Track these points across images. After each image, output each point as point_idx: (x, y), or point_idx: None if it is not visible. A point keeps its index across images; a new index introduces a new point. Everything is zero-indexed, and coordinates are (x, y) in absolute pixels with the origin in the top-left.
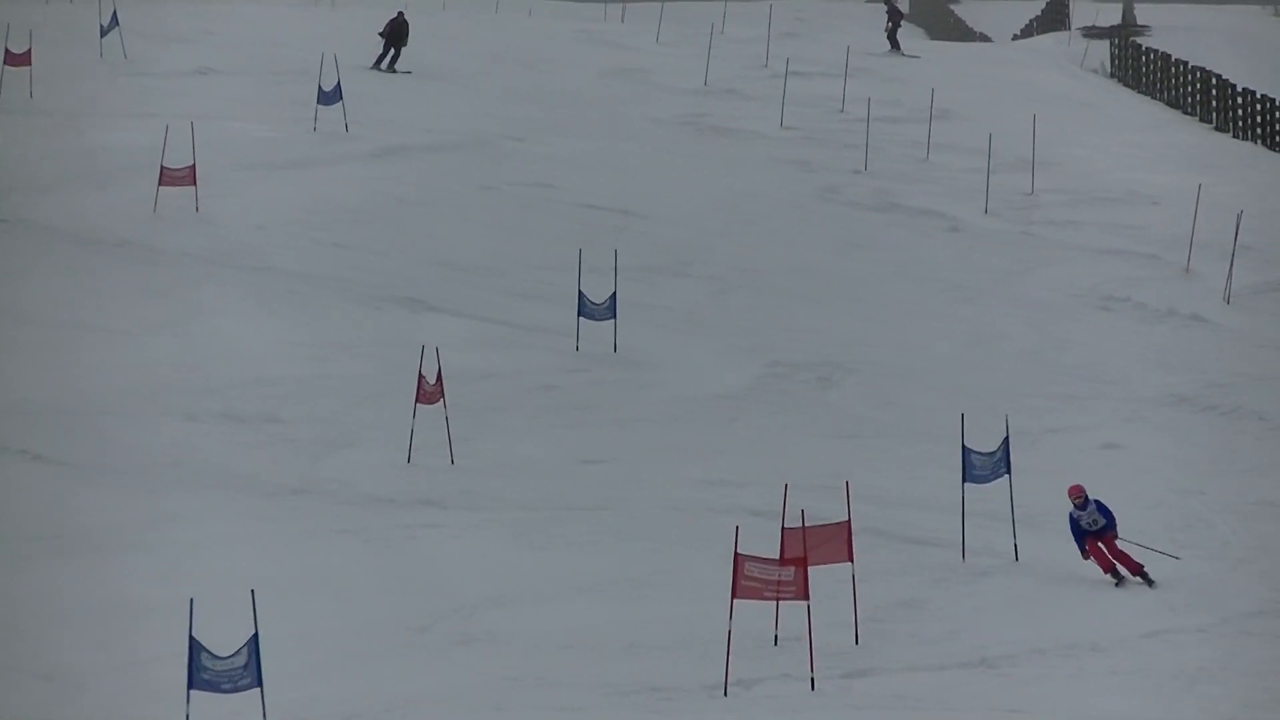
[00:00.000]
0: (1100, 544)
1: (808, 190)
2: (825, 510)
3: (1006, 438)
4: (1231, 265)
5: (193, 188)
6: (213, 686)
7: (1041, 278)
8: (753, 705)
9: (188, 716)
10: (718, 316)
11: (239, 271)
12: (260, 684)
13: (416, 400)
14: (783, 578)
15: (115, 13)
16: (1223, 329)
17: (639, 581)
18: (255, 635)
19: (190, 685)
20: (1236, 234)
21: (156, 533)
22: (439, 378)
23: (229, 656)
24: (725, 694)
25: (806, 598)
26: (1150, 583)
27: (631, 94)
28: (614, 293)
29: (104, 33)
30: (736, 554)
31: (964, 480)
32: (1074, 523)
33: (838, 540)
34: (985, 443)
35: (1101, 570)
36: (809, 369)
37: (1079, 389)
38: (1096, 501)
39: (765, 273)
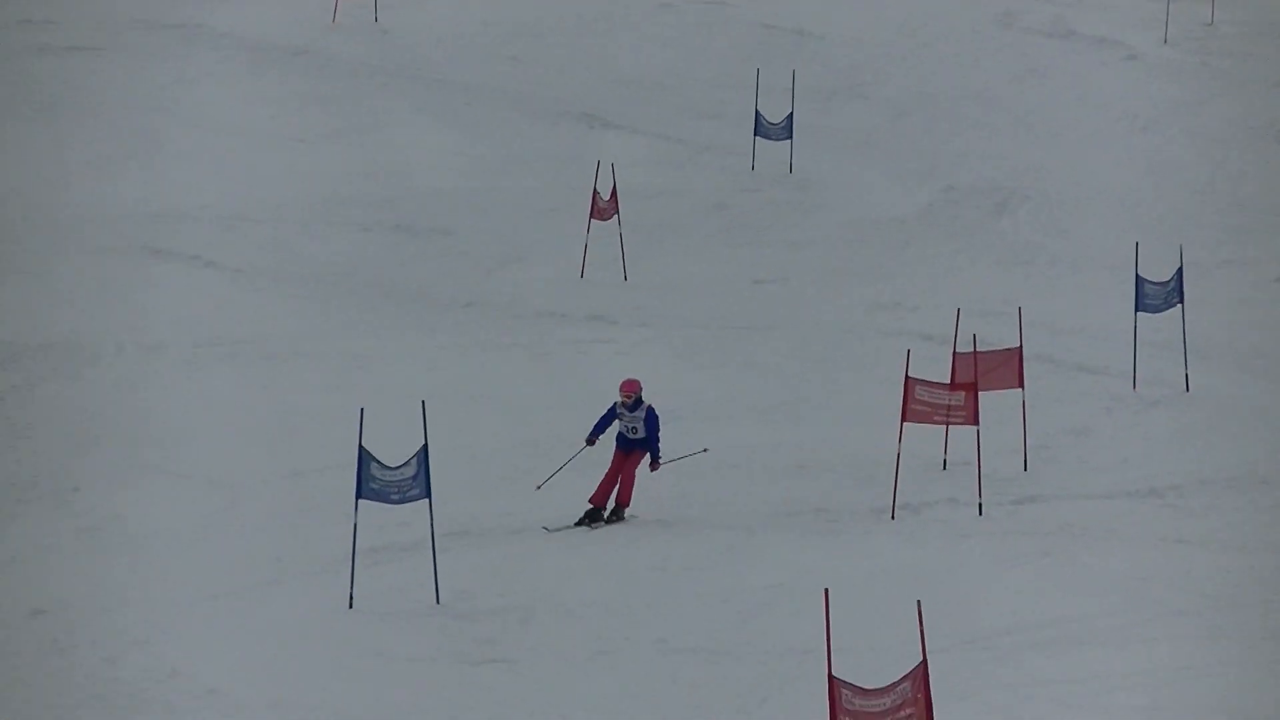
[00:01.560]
0: (624, 457)
1: (985, 15)
2: (996, 336)
3: (1180, 268)
4: None
5: None
6: (381, 497)
7: (1218, 109)
8: (920, 529)
9: (355, 526)
10: (892, 140)
11: (415, 84)
12: (429, 495)
13: (590, 216)
14: (953, 402)
15: None
16: None
17: (808, 403)
18: (425, 446)
19: (359, 495)
20: None
21: (327, 343)
22: (613, 194)
23: (398, 467)
24: (892, 517)
25: (976, 423)
26: (619, 519)
27: None
28: (790, 113)
29: None
30: (907, 377)
31: (1136, 309)
32: (611, 416)
33: (1008, 366)
34: (1159, 272)
35: (598, 501)
36: (982, 195)
37: (1253, 221)
38: (650, 409)
39: (940, 98)
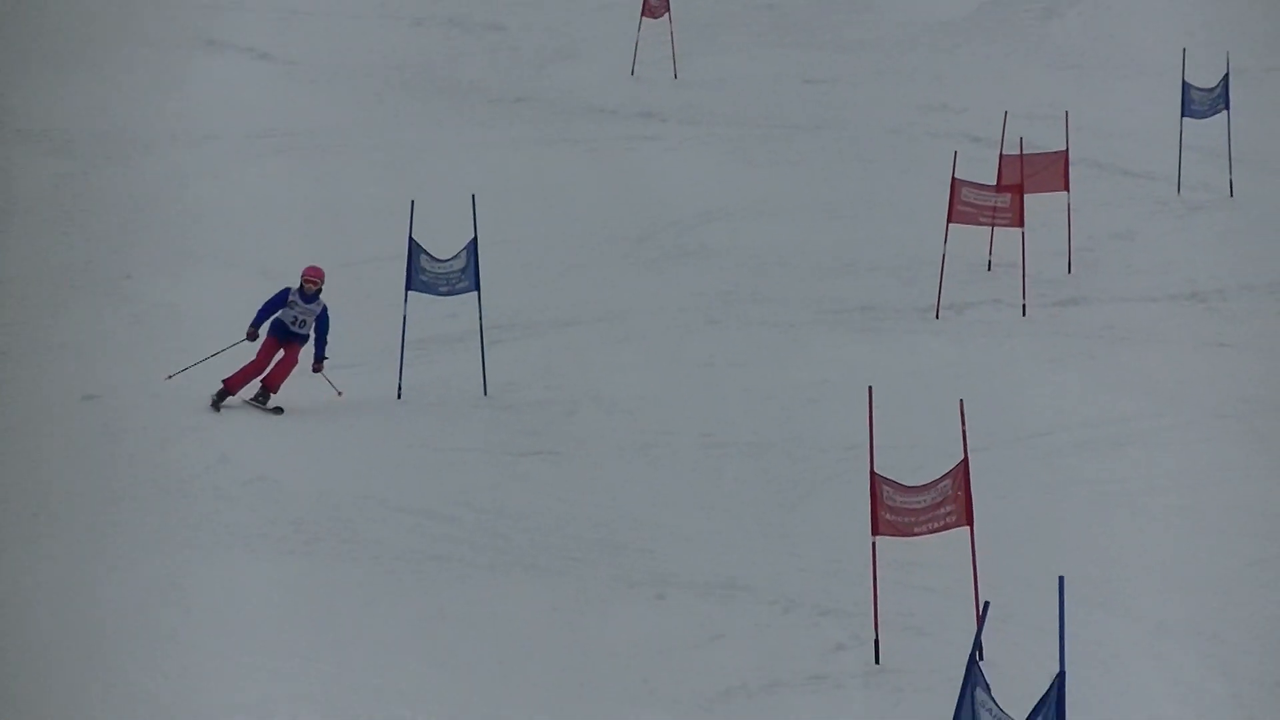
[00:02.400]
0: (281, 349)
1: None
2: (1043, 139)
3: (1227, 74)
4: None
5: None
6: (430, 289)
7: None
8: (964, 328)
9: (405, 318)
10: None
11: None
12: (478, 288)
13: (642, 14)
14: (999, 204)
15: None
16: None
17: (856, 202)
18: (474, 239)
19: (408, 287)
20: None
21: (379, 135)
22: None
23: (448, 260)
24: (937, 316)
25: (1021, 224)
26: (273, 410)
27: None
28: None
29: None
30: (954, 178)
31: (1182, 115)
32: (279, 302)
33: (1054, 169)
34: (1205, 78)
35: (231, 385)
36: None
37: None
38: (325, 308)
39: None
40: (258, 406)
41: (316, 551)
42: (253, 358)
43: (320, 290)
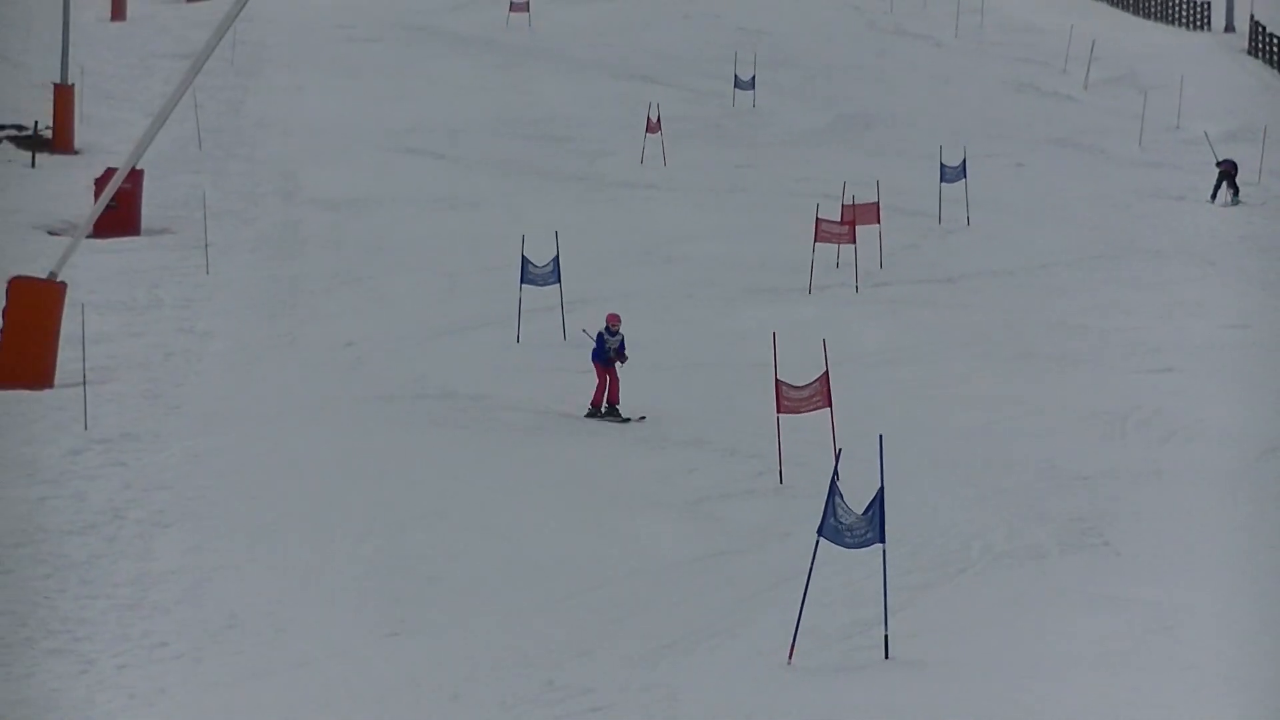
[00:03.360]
0: (607, 375)
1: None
2: (864, 195)
3: (964, 159)
4: None
5: None
6: (532, 281)
7: None
8: (824, 299)
9: (520, 297)
10: (809, 86)
11: (554, 59)
12: (559, 281)
13: (646, 130)
14: (842, 231)
15: None
16: None
17: (764, 231)
18: (557, 255)
19: (521, 280)
20: None
21: (501, 200)
22: (658, 119)
23: (543, 266)
24: (809, 293)
25: (854, 241)
26: (622, 419)
27: None
28: (753, 75)
29: None
30: (817, 217)
31: (940, 181)
32: (601, 344)
33: (871, 211)
34: (954, 159)
35: (594, 403)
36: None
37: None
38: (621, 346)
39: (836, 63)
40: (615, 420)
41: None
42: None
43: (619, 329)
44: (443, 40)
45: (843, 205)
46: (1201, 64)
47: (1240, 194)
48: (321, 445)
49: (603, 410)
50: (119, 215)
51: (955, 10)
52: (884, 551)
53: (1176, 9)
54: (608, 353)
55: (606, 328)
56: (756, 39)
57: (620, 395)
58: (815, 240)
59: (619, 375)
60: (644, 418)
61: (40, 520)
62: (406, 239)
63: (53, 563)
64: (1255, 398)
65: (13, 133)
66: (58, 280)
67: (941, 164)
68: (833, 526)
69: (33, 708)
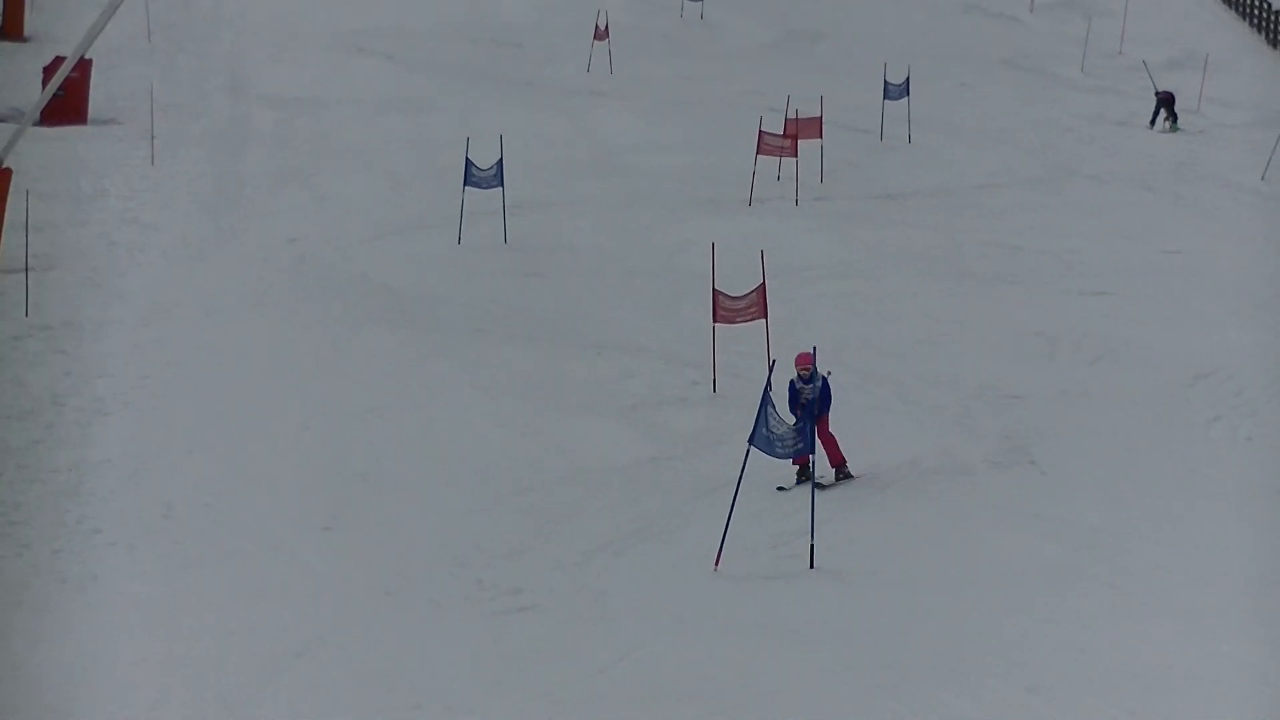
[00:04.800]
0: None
1: None
2: (808, 109)
3: (908, 77)
4: None
5: None
6: (476, 185)
7: None
8: (765, 212)
9: (463, 201)
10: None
11: None
12: (502, 185)
13: (594, 38)
14: (785, 144)
15: None
16: None
17: (710, 142)
18: (500, 159)
19: (465, 183)
20: None
21: (449, 100)
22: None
23: (487, 168)
24: (750, 205)
25: (796, 155)
26: (849, 476)
27: None
28: None
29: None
30: (760, 129)
31: (884, 98)
32: (793, 395)
33: (814, 126)
34: (898, 78)
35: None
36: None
37: None
38: (825, 379)
39: None
40: (844, 481)
41: (418, 323)
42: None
43: (814, 369)
44: None
45: (786, 119)
46: None
47: (1179, 121)
48: (262, 340)
49: (820, 477)
50: (66, 104)
51: None
52: (813, 462)
53: None
54: (804, 404)
55: (797, 375)
56: None
57: (841, 451)
58: (758, 153)
59: (830, 432)
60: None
61: None
62: (353, 139)
63: None
64: (1187, 323)
65: None
66: (3, 167)
67: (886, 82)
68: (764, 436)
69: None
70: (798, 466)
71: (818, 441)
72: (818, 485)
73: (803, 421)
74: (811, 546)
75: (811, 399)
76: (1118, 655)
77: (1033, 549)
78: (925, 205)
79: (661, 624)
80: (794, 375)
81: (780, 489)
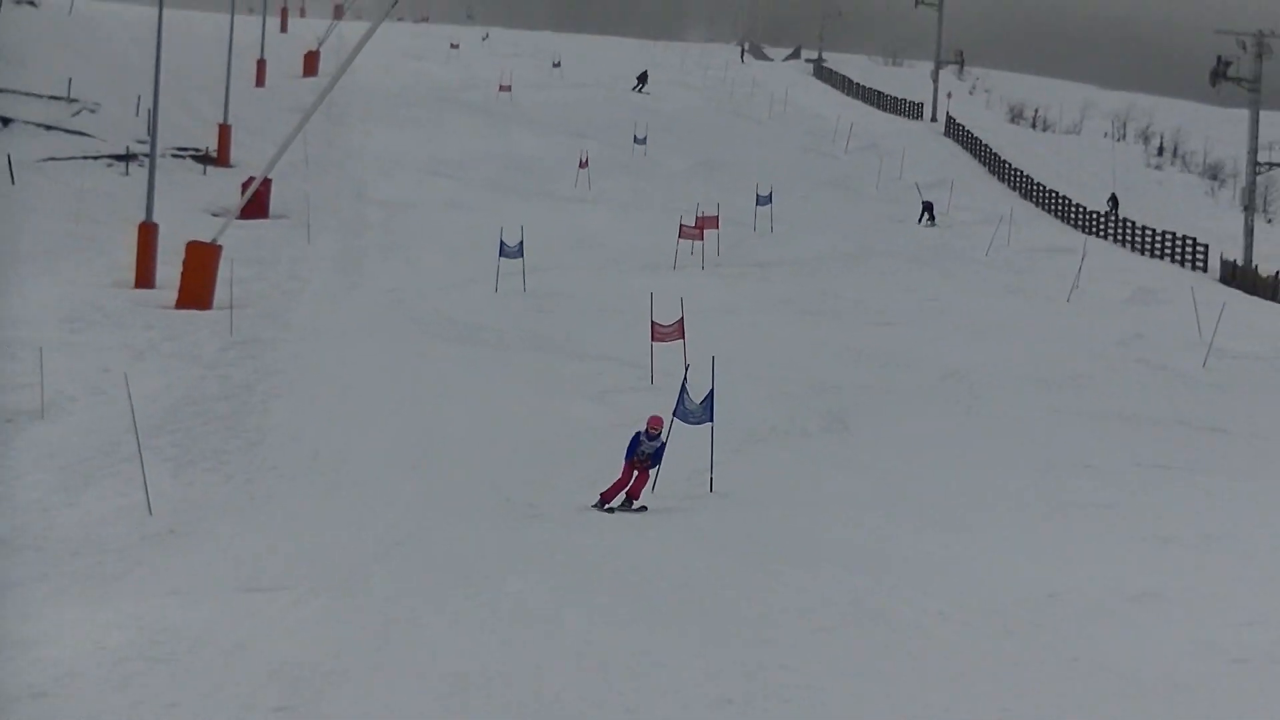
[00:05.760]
0: (635, 470)
1: None
2: (709, 210)
3: (770, 192)
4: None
5: None
6: (507, 255)
7: None
8: (683, 273)
9: (498, 268)
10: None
11: (522, 119)
12: (523, 256)
13: (579, 167)
14: (696, 232)
15: None
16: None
17: (650, 228)
18: (521, 241)
19: (500, 254)
20: None
21: (487, 204)
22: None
23: (514, 246)
24: (674, 269)
25: (703, 238)
26: (639, 509)
27: None
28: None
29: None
30: (681, 225)
31: (756, 205)
32: (635, 444)
33: (713, 222)
34: (764, 189)
35: (606, 497)
36: None
37: None
38: (659, 452)
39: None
40: (625, 510)
41: (470, 340)
42: (618, 477)
43: (659, 434)
44: (457, 106)
45: (696, 217)
46: (916, 140)
47: (936, 220)
48: (375, 352)
49: (615, 507)
50: (255, 205)
51: (769, 102)
52: (712, 428)
53: (902, 106)
54: (638, 455)
55: (646, 430)
56: (650, 115)
57: (642, 491)
58: (679, 237)
59: (649, 475)
60: (644, 508)
61: (198, 390)
62: (430, 227)
63: (209, 417)
64: (940, 343)
65: (194, 153)
66: (217, 244)
67: (757, 194)
68: (683, 410)
69: (198, 509)
70: (603, 499)
71: (635, 475)
72: (620, 510)
73: (706, 401)
74: (711, 480)
75: (649, 452)
76: (899, 549)
77: (848, 482)
78: (783, 271)
79: (625, 529)
80: (642, 430)
81: (609, 509)
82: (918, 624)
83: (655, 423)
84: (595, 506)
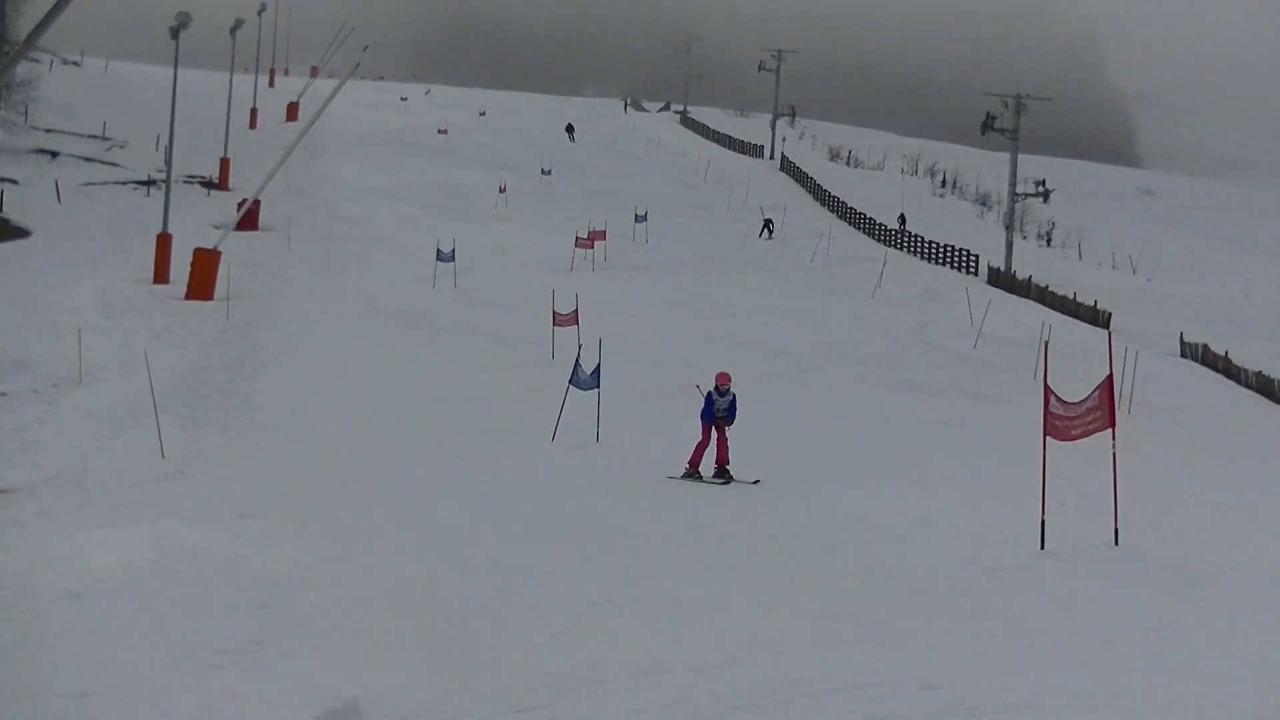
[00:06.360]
0: (714, 430)
1: None
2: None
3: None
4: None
5: None
6: (445, 259)
7: None
8: (578, 275)
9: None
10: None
11: (474, 161)
12: (454, 260)
13: (498, 193)
14: (588, 242)
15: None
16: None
17: (548, 240)
18: (453, 249)
19: (436, 256)
20: None
21: (446, 225)
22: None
23: (447, 249)
24: (571, 270)
25: (593, 248)
26: (728, 479)
27: None
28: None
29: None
30: (576, 237)
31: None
32: (709, 403)
33: (600, 235)
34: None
35: (691, 463)
36: None
37: None
38: (732, 406)
39: None
40: (718, 482)
41: (428, 330)
42: (699, 439)
43: (729, 389)
44: (406, 146)
45: (589, 231)
46: (758, 174)
47: (773, 234)
48: (348, 336)
49: (702, 474)
50: (248, 221)
51: (645, 144)
52: (599, 394)
53: (747, 147)
54: (716, 413)
55: (715, 387)
56: (554, 152)
57: (729, 455)
58: (576, 246)
59: (727, 436)
60: (757, 481)
61: (202, 362)
62: (385, 238)
63: (211, 384)
64: (775, 328)
65: (201, 180)
66: (218, 250)
67: (636, 214)
68: (576, 379)
69: (201, 454)
70: (688, 466)
71: (714, 438)
72: (704, 478)
73: (595, 371)
74: (598, 432)
75: (724, 408)
76: (738, 485)
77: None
78: (659, 272)
79: (535, 470)
80: (712, 388)
81: (670, 478)
82: (753, 543)
83: (723, 378)
84: (684, 476)
